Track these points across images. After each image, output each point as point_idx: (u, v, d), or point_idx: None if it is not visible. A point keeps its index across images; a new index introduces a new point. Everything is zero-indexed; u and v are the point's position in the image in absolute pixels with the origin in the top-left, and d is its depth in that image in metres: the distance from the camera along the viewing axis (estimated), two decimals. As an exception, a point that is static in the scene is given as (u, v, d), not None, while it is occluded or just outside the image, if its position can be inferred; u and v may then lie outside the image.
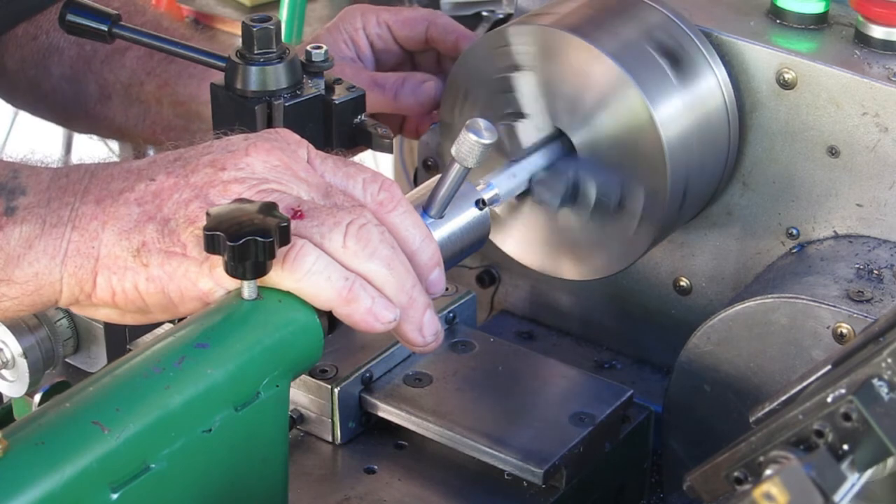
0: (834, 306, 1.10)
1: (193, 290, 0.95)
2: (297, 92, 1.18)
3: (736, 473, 0.85)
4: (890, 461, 0.82)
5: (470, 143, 1.03)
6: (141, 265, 0.96)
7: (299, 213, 0.96)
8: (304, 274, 0.94)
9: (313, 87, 1.20)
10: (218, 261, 0.93)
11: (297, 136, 1.03)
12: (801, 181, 1.22)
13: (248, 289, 0.93)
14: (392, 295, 0.97)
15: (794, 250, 1.23)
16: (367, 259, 0.96)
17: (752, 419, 0.91)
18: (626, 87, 1.15)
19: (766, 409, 0.90)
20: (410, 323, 1.00)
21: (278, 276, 0.94)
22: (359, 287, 0.96)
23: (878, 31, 1.20)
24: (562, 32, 1.18)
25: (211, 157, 0.99)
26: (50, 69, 1.47)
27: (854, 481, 0.79)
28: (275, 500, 0.97)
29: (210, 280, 0.95)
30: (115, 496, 0.84)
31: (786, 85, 1.19)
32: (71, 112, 1.49)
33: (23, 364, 1.14)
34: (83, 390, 0.87)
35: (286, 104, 1.17)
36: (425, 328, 1.01)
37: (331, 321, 0.98)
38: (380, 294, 0.97)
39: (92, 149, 3.15)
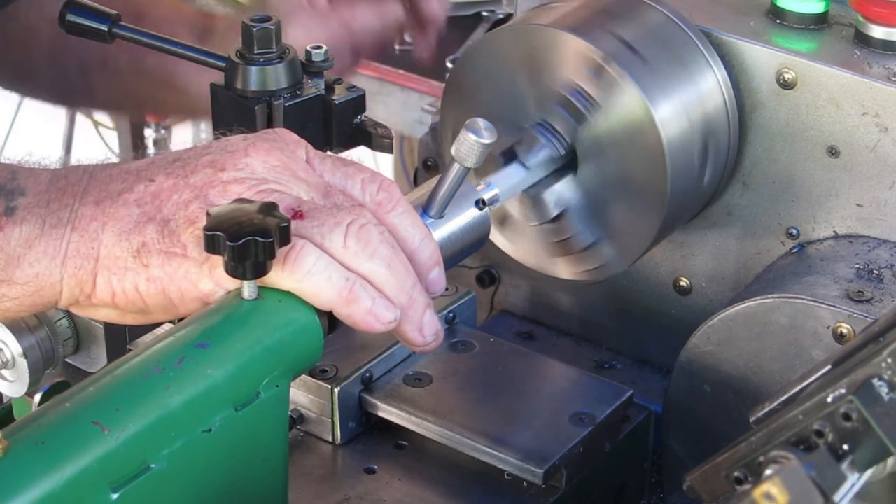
0: (834, 306, 1.10)
1: (194, 290, 0.95)
2: (297, 92, 1.18)
3: (736, 473, 0.85)
4: (890, 461, 0.82)
5: (469, 142, 1.03)
6: (141, 266, 0.96)
7: (299, 214, 0.96)
8: (305, 274, 0.94)
9: (313, 87, 1.20)
10: (218, 261, 0.93)
11: (295, 136, 1.03)
12: (801, 181, 1.22)
13: (248, 289, 0.93)
14: (392, 295, 0.97)
15: (794, 250, 1.23)
16: (368, 259, 0.96)
17: (752, 419, 0.91)
18: (626, 86, 1.15)
19: (766, 409, 0.90)
20: (410, 323, 1.00)
21: (278, 277, 0.94)
22: (359, 287, 0.96)
23: (878, 31, 1.20)
24: (562, 32, 1.18)
25: (210, 157, 0.99)
26: (31, 48, 1.47)
27: (854, 481, 0.79)
28: (275, 500, 0.97)
29: (210, 281, 0.95)
30: (115, 496, 0.84)
31: (786, 85, 1.19)
32: (56, 90, 1.50)
33: (23, 364, 1.14)
34: (83, 390, 0.86)
35: (286, 104, 1.17)
36: (425, 328, 1.01)
37: (331, 321, 0.98)
38: (380, 294, 0.97)
39: (91, 149, 3.15)
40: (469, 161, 1.05)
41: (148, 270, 0.96)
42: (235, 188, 0.97)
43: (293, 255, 0.94)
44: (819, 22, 1.24)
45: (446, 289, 1.24)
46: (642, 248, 1.21)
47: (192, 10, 1.41)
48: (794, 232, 1.23)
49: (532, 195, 1.23)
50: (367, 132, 1.23)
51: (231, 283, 0.94)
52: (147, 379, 0.87)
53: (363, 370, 1.15)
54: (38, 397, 1.17)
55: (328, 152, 1.11)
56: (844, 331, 1.09)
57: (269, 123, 1.17)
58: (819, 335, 1.10)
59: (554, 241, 1.25)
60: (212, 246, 0.90)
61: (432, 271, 1.03)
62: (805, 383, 0.89)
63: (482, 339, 1.22)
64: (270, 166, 0.98)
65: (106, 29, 1.24)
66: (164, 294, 0.96)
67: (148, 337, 1.14)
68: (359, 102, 1.22)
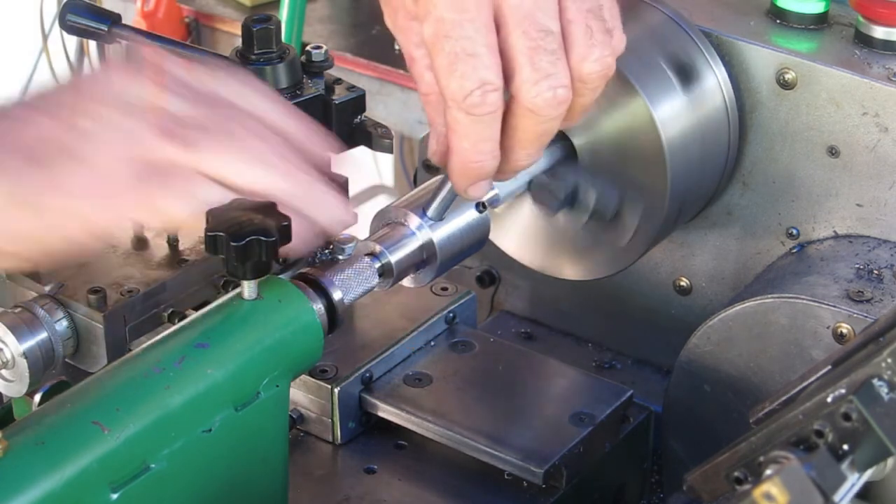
0: (834, 306, 1.10)
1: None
2: (297, 92, 1.18)
3: (736, 473, 0.85)
4: (890, 461, 0.82)
5: None
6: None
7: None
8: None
9: (313, 87, 1.20)
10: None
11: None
12: (801, 181, 1.22)
13: (248, 289, 0.93)
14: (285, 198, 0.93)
15: (794, 250, 1.23)
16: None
17: (752, 419, 0.91)
18: (627, 87, 1.15)
19: (766, 410, 0.90)
20: (318, 206, 0.95)
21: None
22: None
23: (878, 31, 1.20)
24: (562, 32, 1.18)
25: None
26: None
27: (854, 481, 0.79)
28: (275, 500, 0.97)
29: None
30: (115, 496, 0.84)
31: (786, 85, 1.20)
32: None
33: (23, 364, 1.14)
34: (83, 390, 0.87)
35: (286, 104, 1.17)
36: (332, 207, 0.96)
37: (331, 321, 0.99)
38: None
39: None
40: None
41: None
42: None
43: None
44: (819, 22, 1.24)
45: (445, 288, 1.24)
46: (642, 249, 1.21)
47: None
48: (794, 232, 1.23)
49: (532, 195, 1.23)
50: (367, 132, 1.23)
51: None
52: (147, 379, 0.87)
53: (363, 370, 1.15)
54: (38, 397, 1.17)
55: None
56: (844, 331, 1.09)
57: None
58: (819, 335, 1.10)
59: (553, 241, 1.25)
60: (213, 246, 0.90)
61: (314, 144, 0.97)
62: (805, 383, 0.89)
63: (482, 339, 1.22)
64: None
65: (106, 29, 1.24)
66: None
67: (148, 337, 1.14)
68: (359, 102, 1.22)
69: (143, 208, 0.91)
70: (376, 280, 1.06)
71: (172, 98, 0.94)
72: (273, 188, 0.93)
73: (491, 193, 1.16)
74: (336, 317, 0.99)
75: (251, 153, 0.93)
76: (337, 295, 1.00)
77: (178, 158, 0.91)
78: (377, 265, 1.05)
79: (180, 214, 0.91)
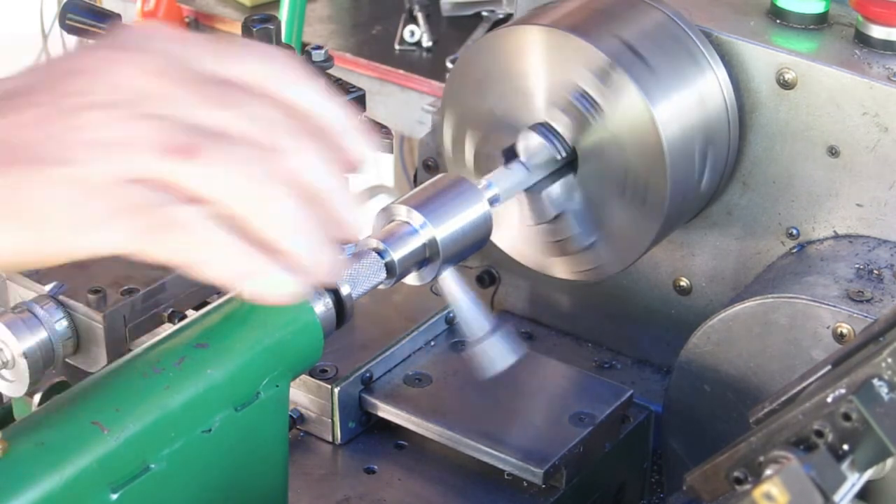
0: (834, 306, 1.10)
1: None
2: (297, 92, 1.18)
3: (736, 473, 0.85)
4: (890, 461, 0.82)
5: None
6: None
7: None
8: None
9: (313, 87, 1.20)
10: None
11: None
12: (801, 181, 1.22)
13: (248, 289, 0.93)
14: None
15: (794, 250, 1.23)
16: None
17: (752, 419, 0.91)
18: (626, 87, 1.15)
19: (766, 410, 0.90)
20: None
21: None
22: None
23: (878, 31, 1.20)
24: (562, 32, 1.18)
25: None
26: None
27: (854, 481, 0.79)
28: (275, 500, 0.97)
29: None
30: (115, 496, 0.84)
31: (786, 85, 1.20)
32: None
33: (23, 364, 1.14)
34: (83, 390, 0.87)
35: (286, 104, 1.17)
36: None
37: (339, 315, 0.98)
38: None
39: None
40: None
41: None
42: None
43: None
44: (819, 22, 1.24)
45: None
46: (642, 249, 1.21)
47: None
48: (794, 232, 1.23)
49: (532, 195, 1.23)
50: (366, 132, 1.23)
51: None
52: (147, 379, 0.87)
53: (363, 370, 1.15)
54: (37, 397, 1.17)
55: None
56: (844, 331, 1.09)
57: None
58: (819, 335, 1.10)
59: (553, 241, 1.25)
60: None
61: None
62: (805, 383, 0.89)
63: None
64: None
65: (106, 29, 1.24)
66: None
67: (148, 337, 1.14)
68: (359, 102, 1.22)
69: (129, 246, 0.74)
70: (384, 274, 1.06)
71: (184, 93, 0.75)
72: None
73: (491, 192, 1.16)
74: (344, 311, 0.99)
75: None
76: (345, 289, 1.00)
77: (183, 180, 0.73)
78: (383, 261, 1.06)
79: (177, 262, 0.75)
